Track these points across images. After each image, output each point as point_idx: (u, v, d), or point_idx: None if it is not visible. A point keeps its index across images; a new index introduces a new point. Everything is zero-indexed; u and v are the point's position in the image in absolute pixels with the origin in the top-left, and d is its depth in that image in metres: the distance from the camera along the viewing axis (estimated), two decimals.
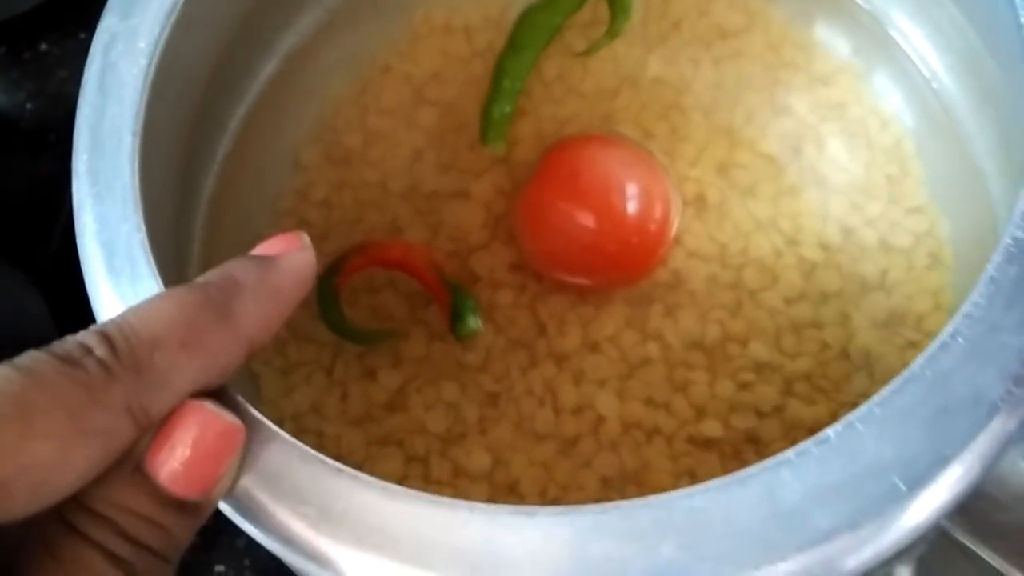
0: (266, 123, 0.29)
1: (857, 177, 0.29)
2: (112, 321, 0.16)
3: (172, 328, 0.16)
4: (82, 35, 0.38)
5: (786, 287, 0.28)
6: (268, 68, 0.29)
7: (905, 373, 0.16)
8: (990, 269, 0.17)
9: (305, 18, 0.29)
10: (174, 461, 0.16)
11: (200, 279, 0.18)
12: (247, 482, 0.17)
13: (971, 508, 0.29)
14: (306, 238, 0.19)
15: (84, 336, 0.16)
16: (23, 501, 0.14)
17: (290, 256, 0.19)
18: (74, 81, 0.37)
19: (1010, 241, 0.17)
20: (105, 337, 0.16)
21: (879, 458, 0.16)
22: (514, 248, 0.29)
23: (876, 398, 0.16)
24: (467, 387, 0.27)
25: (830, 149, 0.29)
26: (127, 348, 0.16)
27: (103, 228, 0.19)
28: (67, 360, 0.15)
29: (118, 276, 0.19)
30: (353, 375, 0.27)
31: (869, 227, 0.28)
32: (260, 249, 0.19)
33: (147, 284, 0.19)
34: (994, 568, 0.28)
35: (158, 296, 0.17)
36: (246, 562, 0.30)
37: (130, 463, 0.16)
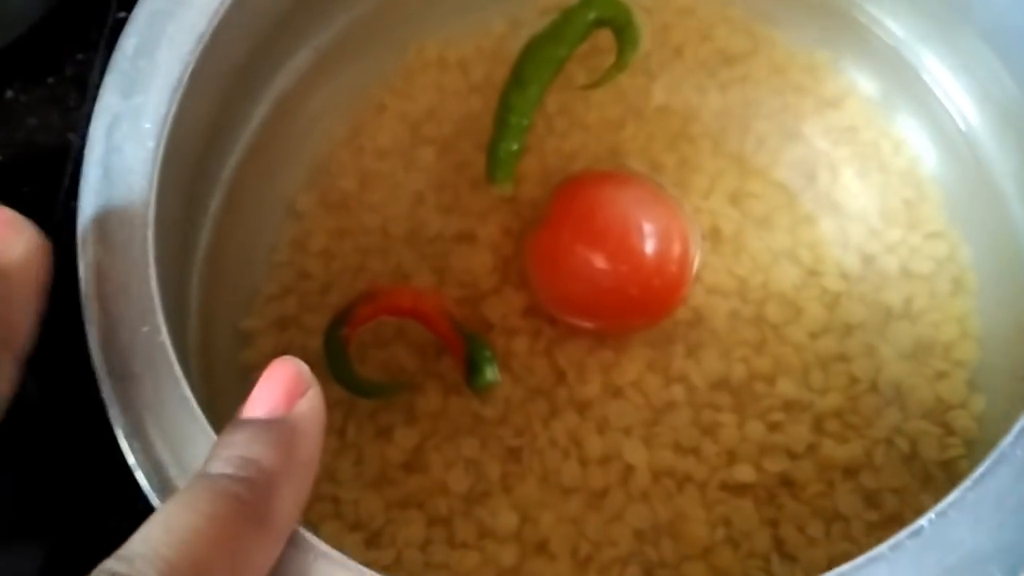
0: (259, 170, 0.28)
1: (873, 203, 0.28)
2: (142, 555, 0.14)
3: (214, 553, 0.15)
4: (49, 80, 0.36)
5: (810, 320, 0.27)
6: (259, 113, 0.27)
7: (994, 453, 0.16)
8: None
9: (296, 60, 0.28)
10: None
11: (216, 467, 0.16)
12: None
13: None
14: (302, 367, 0.18)
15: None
16: None
17: (303, 409, 0.17)
18: (45, 129, 0.35)
19: None
20: None
21: (975, 548, 0.15)
22: (526, 292, 0.27)
23: (967, 482, 0.15)
24: (487, 442, 0.26)
25: (844, 174, 0.29)
26: None
27: (119, 331, 0.17)
28: None
29: (140, 384, 0.17)
30: (367, 435, 0.26)
31: (890, 254, 0.28)
32: (259, 398, 0.17)
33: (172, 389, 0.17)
34: None
35: (184, 511, 0.15)
36: None
37: None
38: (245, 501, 0.15)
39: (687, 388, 0.27)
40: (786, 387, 0.26)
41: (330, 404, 0.26)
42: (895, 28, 0.28)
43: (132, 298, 0.18)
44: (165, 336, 0.17)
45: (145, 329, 0.17)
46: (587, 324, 0.27)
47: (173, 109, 0.19)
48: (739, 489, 0.26)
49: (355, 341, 0.26)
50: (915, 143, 0.29)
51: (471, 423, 0.26)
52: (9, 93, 0.35)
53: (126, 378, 0.17)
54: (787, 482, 0.26)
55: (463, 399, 0.26)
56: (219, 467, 0.16)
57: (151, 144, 0.19)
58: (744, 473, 0.26)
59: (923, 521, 0.15)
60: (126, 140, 0.19)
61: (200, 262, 0.26)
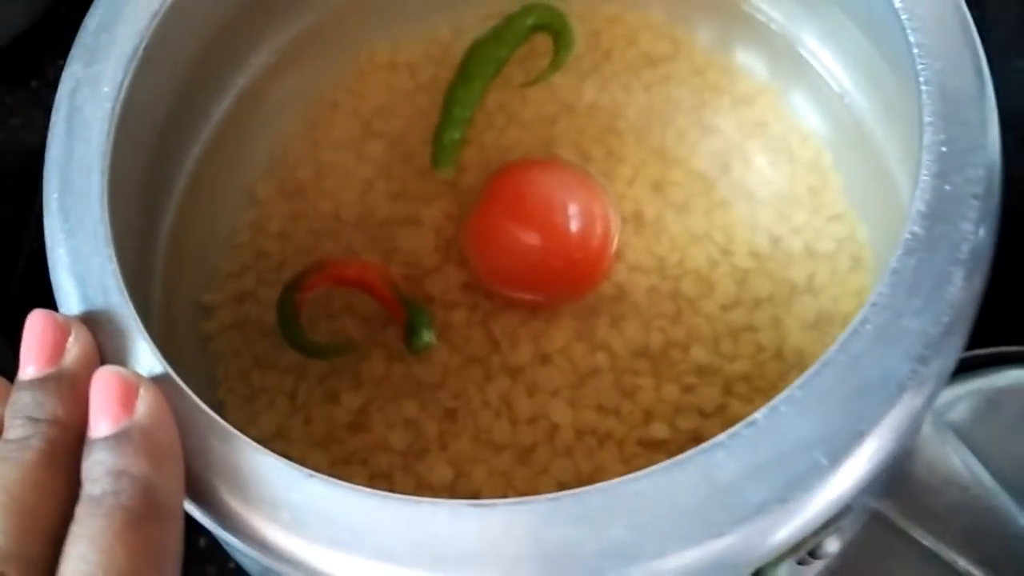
0: (221, 160, 0.30)
1: (782, 189, 0.31)
2: None
3: (138, 560, 0.16)
4: (33, 83, 0.38)
5: (721, 294, 0.30)
6: (221, 108, 0.30)
7: (821, 358, 0.18)
8: (892, 261, 0.19)
9: (255, 58, 0.31)
10: None
11: (96, 488, 0.17)
12: (224, 493, 0.18)
13: (904, 493, 0.31)
14: (126, 373, 0.19)
15: None
16: None
17: (143, 410, 0.18)
18: (27, 128, 0.38)
19: (908, 236, 0.19)
20: None
21: (802, 436, 0.17)
22: (465, 269, 0.30)
23: (797, 382, 0.18)
24: (426, 404, 0.28)
25: (756, 164, 0.31)
26: None
27: (76, 261, 0.20)
28: None
29: (92, 306, 0.20)
30: (316, 398, 0.28)
31: (795, 235, 0.30)
32: (98, 416, 0.18)
33: (121, 312, 0.20)
34: (927, 547, 0.30)
35: (92, 548, 0.16)
36: (230, 564, 0.30)
37: None
38: (132, 507, 0.17)
39: (610, 355, 0.29)
40: (699, 354, 0.29)
41: (282, 369, 0.29)
42: (797, 30, 0.31)
43: (88, 234, 0.20)
44: (115, 265, 0.20)
45: (98, 260, 0.20)
46: (519, 296, 0.29)
47: (128, 78, 0.22)
48: (654, 445, 0.28)
49: (306, 312, 0.29)
50: (819, 135, 0.31)
51: (412, 387, 0.29)
52: None
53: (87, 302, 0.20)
54: (698, 438, 0.28)
55: (405, 365, 0.29)
56: (99, 487, 0.17)
57: (108, 105, 0.21)
58: (659, 431, 0.28)
59: (757, 414, 0.18)
60: (87, 101, 0.22)
61: (165, 240, 0.29)
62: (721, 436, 0.18)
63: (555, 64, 0.32)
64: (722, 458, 0.17)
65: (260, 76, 0.31)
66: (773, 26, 0.32)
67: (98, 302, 0.20)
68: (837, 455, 0.17)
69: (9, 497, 0.17)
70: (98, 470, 0.18)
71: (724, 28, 0.32)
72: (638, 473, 0.17)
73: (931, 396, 0.19)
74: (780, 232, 0.30)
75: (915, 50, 0.22)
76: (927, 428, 0.31)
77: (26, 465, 0.17)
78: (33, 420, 0.18)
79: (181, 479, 0.19)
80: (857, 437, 0.18)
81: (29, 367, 0.19)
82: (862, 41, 0.28)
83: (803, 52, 0.31)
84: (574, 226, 0.29)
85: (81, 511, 0.17)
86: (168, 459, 0.18)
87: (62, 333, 0.19)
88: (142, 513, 0.17)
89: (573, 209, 0.29)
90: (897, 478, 0.31)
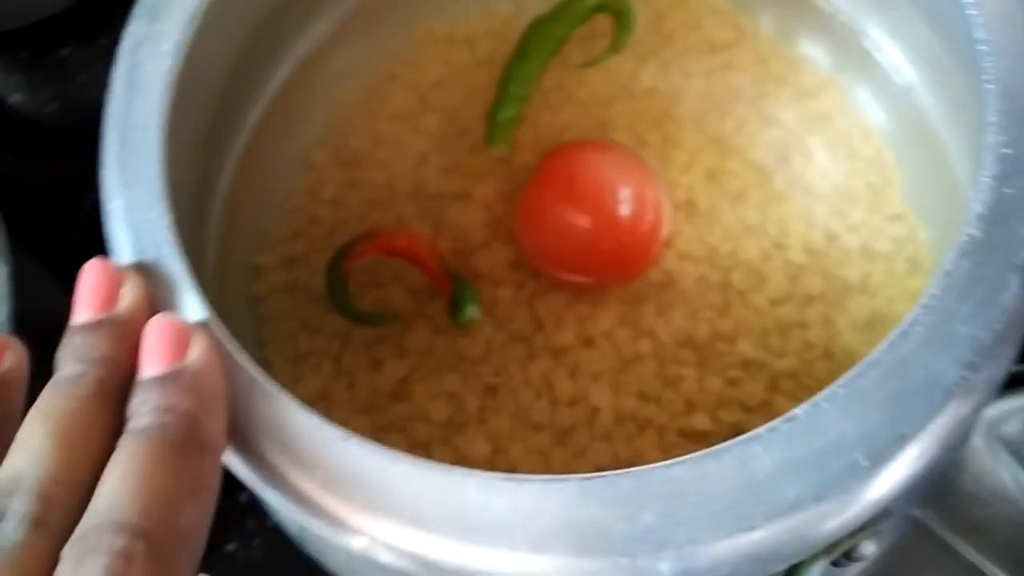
0: (278, 126, 0.31)
1: (840, 185, 0.30)
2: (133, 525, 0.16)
3: (175, 484, 0.17)
4: (102, 41, 0.39)
5: (773, 289, 0.29)
6: (281, 73, 0.30)
7: (867, 358, 0.18)
8: (946, 263, 0.19)
9: (317, 27, 0.31)
10: None
11: (142, 422, 0.18)
12: (264, 449, 0.18)
13: (949, 504, 0.30)
14: (181, 322, 0.19)
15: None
16: None
17: (195, 355, 0.19)
18: (94, 85, 0.39)
19: (965, 238, 0.19)
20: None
21: (842, 435, 0.17)
22: (514, 247, 0.30)
23: (840, 380, 0.18)
24: (468, 378, 0.29)
25: (815, 158, 0.31)
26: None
27: (131, 214, 0.21)
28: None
29: (145, 258, 0.21)
30: (360, 365, 0.29)
31: (852, 233, 0.30)
32: (150, 357, 0.19)
33: (173, 265, 0.20)
34: (968, 560, 0.29)
35: (137, 471, 0.17)
36: (256, 541, 0.31)
37: None
38: (174, 437, 0.18)
39: (654, 342, 0.29)
40: (745, 348, 0.29)
41: (329, 334, 0.30)
42: (864, 23, 0.31)
43: (144, 188, 0.21)
44: (169, 219, 0.20)
45: (153, 213, 0.20)
46: (566, 277, 0.29)
47: (190, 38, 0.22)
48: (695, 436, 0.28)
49: (355, 280, 0.29)
50: (883, 132, 0.31)
51: (455, 360, 0.29)
52: (64, 51, 0.39)
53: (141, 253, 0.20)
54: (739, 432, 0.27)
55: (449, 339, 0.29)
56: (144, 421, 0.18)
57: (168, 63, 0.22)
58: (700, 422, 0.28)
59: (798, 410, 0.18)
60: (147, 58, 0.22)
61: (220, 201, 0.29)
62: (760, 429, 0.17)
63: (615, 46, 0.32)
64: (759, 451, 0.17)
65: (321, 44, 0.31)
66: (839, 17, 0.31)
67: (151, 254, 0.20)
68: (877, 457, 0.17)
69: (61, 427, 0.17)
70: (144, 407, 0.18)
71: (789, 18, 0.32)
72: (672, 460, 0.17)
73: (979, 404, 0.19)
74: (836, 229, 0.30)
75: (981, 47, 0.21)
76: (978, 440, 0.30)
77: (77, 399, 0.18)
78: (85, 359, 0.18)
79: (224, 421, 0.19)
80: (899, 440, 0.17)
81: (82, 312, 0.19)
82: (928, 36, 0.27)
83: (868, 45, 0.30)
84: (624, 210, 0.29)
85: (124, 440, 0.18)
86: (214, 400, 0.19)
87: (116, 281, 0.20)
88: (183, 443, 0.18)
89: (624, 193, 0.29)
90: (942, 488, 0.30)
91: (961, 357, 0.18)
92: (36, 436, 0.17)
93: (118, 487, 0.16)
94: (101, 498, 0.16)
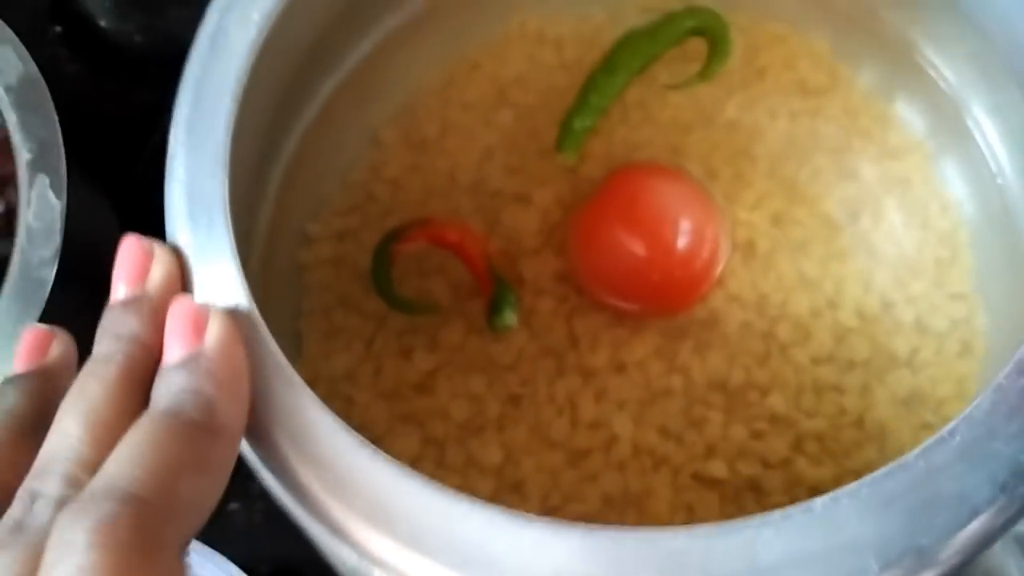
0: (351, 99, 0.30)
1: (907, 253, 0.29)
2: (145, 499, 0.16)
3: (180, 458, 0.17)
4: None
5: (816, 347, 0.29)
6: (362, 49, 0.30)
7: (899, 460, 0.17)
8: (1000, 377, 0.18)
9: (407, 5, 0.31)
10: None
11: (162, 404, 0.18)
12: (277, 438, 0.18)
13: None
14: (199, 305, 0.20)
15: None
16: None
17: (212, 341, 0.19)
18: (183, 23, 0.39)
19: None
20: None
21: (858, 536, 0.17)
22: (563, 259, 0.30)
23: (867, 479, 0.17)
24: (494, 383, 0.28)
25: (887, 221, 0.30)
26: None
27: (190, 178, 0.21)
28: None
29: (195, 224, 0.21)
30: (390, 351, 0.29)
31: (909, 304, 0.29)
32: (173, 343, 0.19)
33: (220, 239, 0.20)
34: None
35: (150, 444, 0.17)
36: (258, 505, 0.31)
37: None
38: (191, 417, 0.18)
39: (686, 380, 0.28)
40: (777, 402, 0.28)
41: (365, 315, 0.30)
42: (967, 97, 0.29)
43: (207, 154, 0.21)
44: (226, 190, 0.20)
45: (212, 183, 0.20)
46: (609, 299, 0.29)
47: (279, 10, 0.22)
48: (709, 482, 0.27)
49: (400, 265, 0.29)
50: (963, 209, 0.30)
51: (484, 363, 0.29)
52: None
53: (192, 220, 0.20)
54: (755, 487, 0.27)
55: (482, 340, 0.29)
56: (163, 403, 0.18)
57: (254, 32, 0.22)
58: (717, 469, 0.27)
59: (817, 501, 0.17)
60: (234, 24, 0.22)
61: (283, 165, 0.29)
62: (774, 513, 0.17)
63: (706, 73, 0.31)
64: (769, 536, 0.17)
65: (407, 23, 0.31)
66: (942, 84, 0.30)
67: (202, 223, 0.20)
68: (889, 563, 0.16)
69: (91, 410, 0.18)
70: (164, 391, 0.18)
71: (890, 75, 0.31)
72: (679, 529, 0.17)
73: (1007, 524, 0.18)
74: (894, 298, 0.29)
75: None
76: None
77: (108, 382, 0.18)
78: (117, 337, 0.19)
79: (243, 405, 0.19)
80: (915, 551, 0.17)
81: (118, 288, 0.20)
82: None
83: (967, 119, 0.29)
84: (682, 243, 0.28)
85: (142, 419, 0.18)
86: (233, 384, 0.19)
87: (146, 257, 0.20)
88: (199, 424, 0.18)
89: (685, 225, 0.28)
90: None
91: (997, 477, 0.17)
92: (68, 417, 0.18)
93: (121, 458, 0.17)
94: (104, 468, 0.17)
